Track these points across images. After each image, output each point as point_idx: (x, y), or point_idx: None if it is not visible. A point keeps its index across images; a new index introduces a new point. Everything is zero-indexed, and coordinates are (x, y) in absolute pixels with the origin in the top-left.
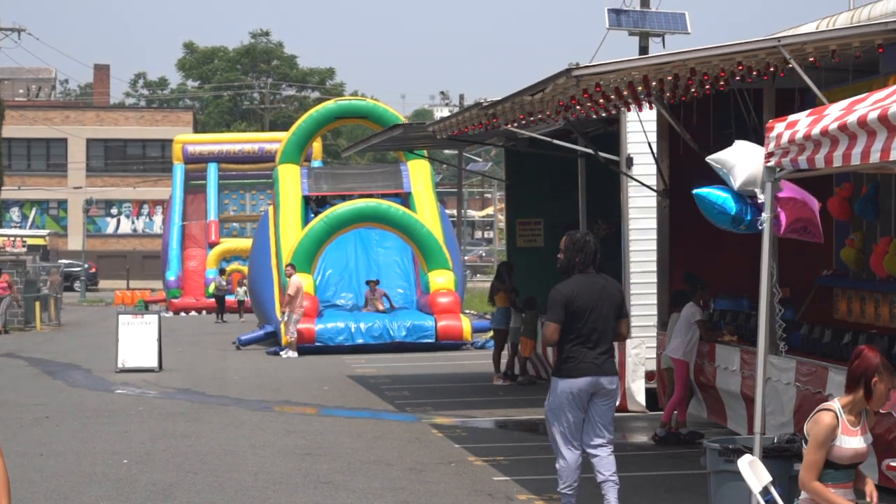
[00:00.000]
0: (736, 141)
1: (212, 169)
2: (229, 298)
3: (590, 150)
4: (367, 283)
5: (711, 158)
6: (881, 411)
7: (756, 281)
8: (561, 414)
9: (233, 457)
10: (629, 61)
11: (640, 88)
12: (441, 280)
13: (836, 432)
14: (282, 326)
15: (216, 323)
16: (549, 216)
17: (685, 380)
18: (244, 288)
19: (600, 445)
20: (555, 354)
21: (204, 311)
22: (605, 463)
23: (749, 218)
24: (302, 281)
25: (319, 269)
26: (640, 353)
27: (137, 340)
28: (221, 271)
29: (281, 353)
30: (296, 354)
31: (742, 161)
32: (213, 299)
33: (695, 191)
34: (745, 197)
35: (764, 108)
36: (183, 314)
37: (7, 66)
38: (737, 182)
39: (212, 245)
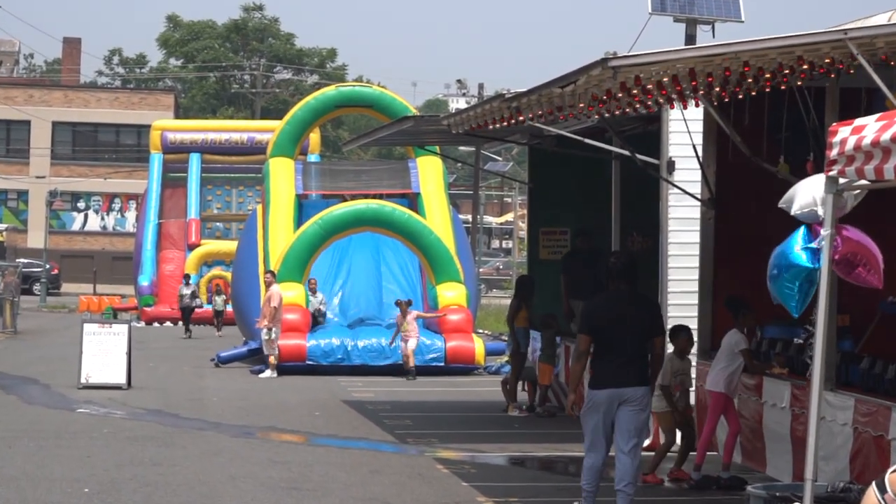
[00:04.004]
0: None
1: (194, 160)
2: (208, 308)
3: (626, 152)
4: (398, 304)
5: (782, 203)
6: None
7: (812, 306)
8: (587, 419)
9: (209, 488)
10: (674, 52)
11: (685, 83)
12: (451, 295)
13: None
14: (265, 344)
15: (184, 338)
16: (576, 225)
17: (718, 416)
18: (223, 297)
19: (622, 451)
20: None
21: (180, 322)
22: (623, 470)
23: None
24: (282, 291)
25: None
26: None
27: (104, 353)
28: (186, 278)
29: (260, 373)
30: (275, 374)
31: (804, 186)
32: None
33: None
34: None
35: (826, 110)
36: (157, 325)
37: None
38: (795, 205)
39: (191, 247)
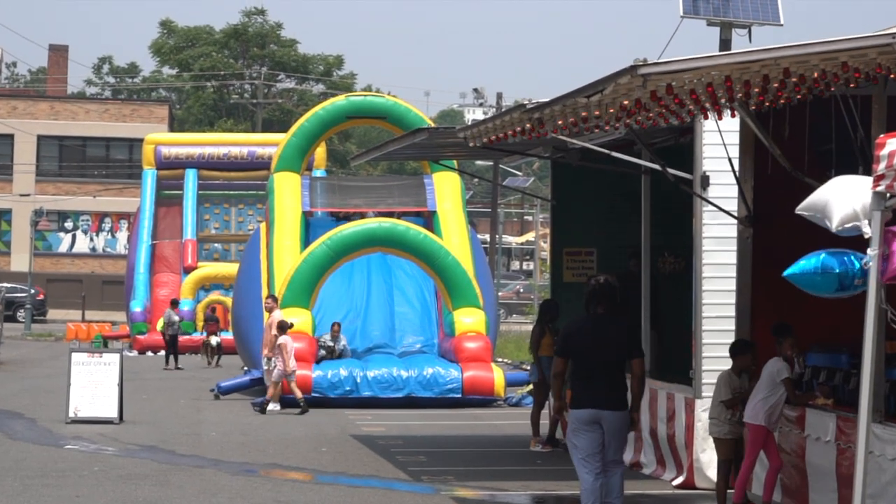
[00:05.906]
0: (834, 178)
1: (190, 176)
2: (196, 336)
3: (656, 166)
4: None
5: (801, 209)
6: None
7: (859, 332)
8: (573, 440)
9: None
10: (708, 58)
11: (720, 91)
12: (469, 321)
13: None
14: (265, 374)
15: (165, 369)
16: (603, 245)
17: (758, 450)
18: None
19: (607, 470)
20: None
21: (163, 352)
22: (610, 487)
23: (857, 267)
24: (287, 318)
25: (318, 305)
26: None
27: (94, 385)
28: (174, 303)
29: (265, 407)
30: (278, 407)
31: (837, 196)
32: (200, 336)
33: (785, 273)
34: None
35: (873, 120)
36: (150, 354)
37: None
38: (834, 221)
39: (188, 270)
